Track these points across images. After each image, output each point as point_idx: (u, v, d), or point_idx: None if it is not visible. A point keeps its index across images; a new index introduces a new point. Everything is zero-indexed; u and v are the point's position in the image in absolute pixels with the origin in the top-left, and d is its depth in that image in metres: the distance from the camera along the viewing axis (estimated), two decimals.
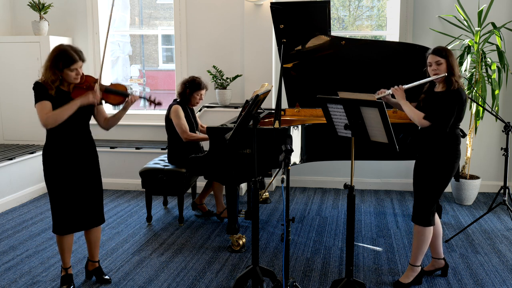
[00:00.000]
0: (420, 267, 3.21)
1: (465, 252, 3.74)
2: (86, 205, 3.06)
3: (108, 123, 3.17)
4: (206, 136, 4.26)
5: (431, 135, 3.01)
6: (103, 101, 3.07)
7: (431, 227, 3.09)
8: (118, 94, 3.07)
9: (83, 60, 2.92)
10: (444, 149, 2.99)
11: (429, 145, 3.03)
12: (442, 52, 2.98)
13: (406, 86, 3.13)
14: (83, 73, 2.96)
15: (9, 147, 5.45)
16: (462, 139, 3.11)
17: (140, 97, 3.18)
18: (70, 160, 2.97)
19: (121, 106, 3.14)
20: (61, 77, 2.89)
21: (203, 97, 4.38)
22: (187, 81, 4.30)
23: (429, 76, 3.06)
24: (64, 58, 2.83)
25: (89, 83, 2.98)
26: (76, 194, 3.00)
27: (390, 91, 3.15)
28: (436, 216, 3.18)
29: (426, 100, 3.09)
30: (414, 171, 3.12)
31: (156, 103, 3.26)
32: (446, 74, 2.95)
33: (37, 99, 2.87)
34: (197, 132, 4.44)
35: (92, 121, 3.09)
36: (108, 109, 5.25)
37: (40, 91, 2.87)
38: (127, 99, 3.08)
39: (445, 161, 2.99)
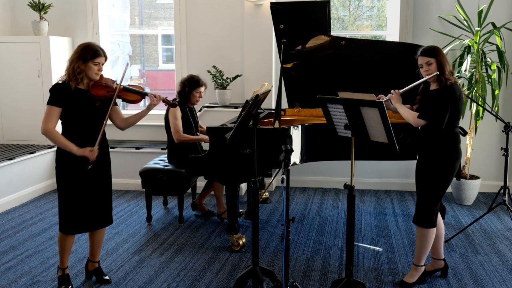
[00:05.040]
0: (424, 267, 3.21)
1: (465, 252, 3.74)
2: (96, 206, 3.07)
3: (127, 122, 3.20)
4: (199, 137, 4.28)
5: (430, 134, 3.01)
6: (120, 99, 3.12)
7: (434, 228, 3.09)
8: (136, 93, 3.14)
9: (106, 58, 3.00)
10: (444, 149, 2.99)
11: (429, 145, 3.03)
12: (430, 52, 2.99)
13: (402, 90, 3.16)
14: (102, 74, 3.02)
15: (9, 147, 5.45)
16: (462, 137, 3.11)
17: (163, 100, 3.24)
18: (83, 159, 2.96)
19: (139, 105, 3.18)
20: (84, 72, 2.92)
21: (203, 95, 4.38)
22: (186, 79, 4.30)
23: (422, 77, 3.08)
24: (91, 51, 2.92)
25: (107, 82, 3.04)
26: (86, 194, 3.02)
27: (388, 97, 3.16)
28: (439, 217, 3.18)
29: (422, 100, 3.10)
30: (416, 172, 3.13)
31: (171, 104, 3.32)
32: (438, 72, 2.96)
33: (49, 102, 2.91)
34: (198, 133, 4.44)
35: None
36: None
37: (55, 94, 2.91)
38: (153, 100, 3.14)
39: (446, 161, 2.99)
